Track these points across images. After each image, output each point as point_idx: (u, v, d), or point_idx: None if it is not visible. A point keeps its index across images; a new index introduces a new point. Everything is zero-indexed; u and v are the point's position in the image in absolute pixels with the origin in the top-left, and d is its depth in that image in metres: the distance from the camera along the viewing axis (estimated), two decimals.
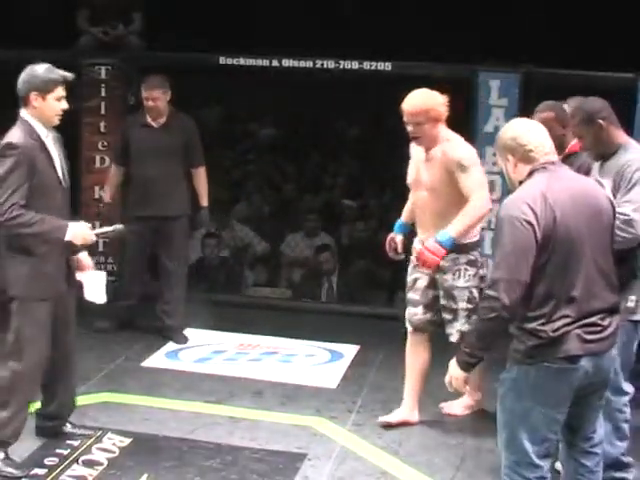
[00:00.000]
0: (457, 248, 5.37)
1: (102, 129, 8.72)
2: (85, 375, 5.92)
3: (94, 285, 5.12)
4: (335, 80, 8.80)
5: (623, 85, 7.61)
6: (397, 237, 5.90)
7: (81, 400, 5.73)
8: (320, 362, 7.07)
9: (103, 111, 8.73)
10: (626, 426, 4.80)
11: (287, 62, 8.43)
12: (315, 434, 5.67)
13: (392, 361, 6.55)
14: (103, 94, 8.74)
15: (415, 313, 5.70)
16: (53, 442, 5.29)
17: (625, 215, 4.50)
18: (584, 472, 4.10)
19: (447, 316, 5.58)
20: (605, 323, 3.89)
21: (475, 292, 5.50)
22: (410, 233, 5.86)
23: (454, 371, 4.00)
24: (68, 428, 5.36)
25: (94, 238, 5.04)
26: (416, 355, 5.77)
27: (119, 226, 5.33)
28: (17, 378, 4.91)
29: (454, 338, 5.54)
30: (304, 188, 10.39)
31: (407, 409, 5.79)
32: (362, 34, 8.48)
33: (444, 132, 5.42)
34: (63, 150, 5.11)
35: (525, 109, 8.04)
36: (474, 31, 8.25)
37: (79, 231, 4.92)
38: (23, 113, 4.93)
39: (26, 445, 5.22)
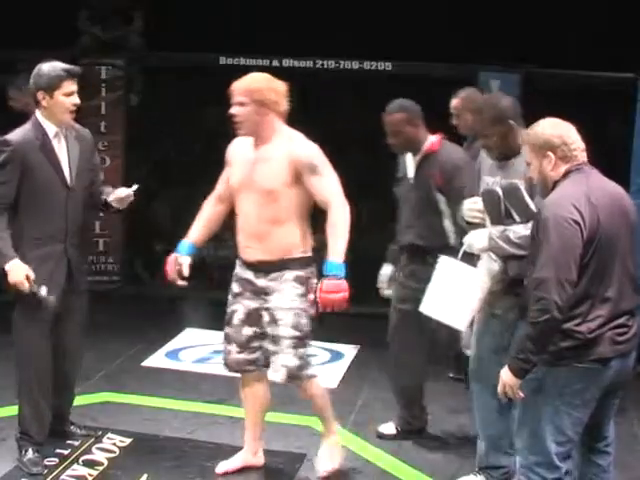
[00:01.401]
0: (283, 263, 4.71)
1: (102, 129, 8.75)
2: (85, 375, 5.91)
3: None
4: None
5: (623, 85, 7.62)
6: (182, 258, 4.96)
7: (81, 400, 5.74)
8: (320, 362, 7.06)
9: (103, 111, 8.75)
10: None
11: (287, 62, 8.44)
12: (315, 434, 5.66)
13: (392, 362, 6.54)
14: (103, 94, 8.77)
15: (229, 351, 4.96)
16: (53, 442, 5.28)
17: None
18: (598, 472, 4.10)
19: (270, 346, 4.78)
20: (630, 323, 3.91)
21: (303, 317, 4.71)
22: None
23: (508, 379, 3.85)
24: (69, 428, 5.35)
25: (25, 287, 4.68)
26: (250, 397, 5.09)
27: (51, 297, 4.78)
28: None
29: (279, 377, 4.76)
30: None
31: (249, 453, 5.13)
32: (362, 34, 8.47)
33: (284, 130, 4.74)
34: (88, 149, 5.07)
35: (526, 109, 8.09)
36: (475, 31, 8.24)
37: (16, 272, 4.68)
38: (37, 113, 4.88)
39: None
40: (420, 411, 5.59)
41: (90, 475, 4.98)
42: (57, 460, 5.11)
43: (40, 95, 4.84)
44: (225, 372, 6.66)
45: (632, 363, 3.99)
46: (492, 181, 4.64)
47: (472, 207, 4.62)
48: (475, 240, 4.53)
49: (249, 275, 4.79)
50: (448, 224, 5.30)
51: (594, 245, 3.77)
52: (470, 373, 4.87)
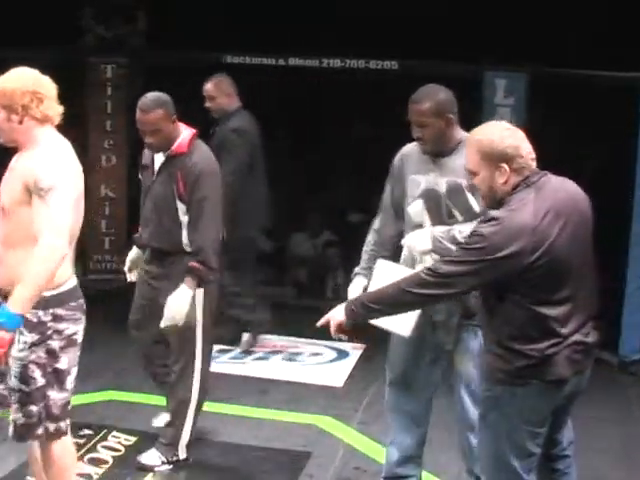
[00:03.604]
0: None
1: (108, 127, 8.75)
2: (91, 373, 5.91)
3: None
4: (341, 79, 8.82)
5: (628, 84, 7.60)
6: None
7: (87, 398, 5.76)
8: (326, 361, 7.07)
9: (109, 110, 8.75)
10: None
11: (293, 61, 8.44)
12: (321, 433, 5.67)
13: None
14: (109, 93, 8.77)
15: None
16: None
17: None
18: (558, 476, 4.02)
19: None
20: (588, 340, 3.76)
21: (35, 370, 3.86)
22: None
23: (341, 318, 3.90)
24: None
25: None
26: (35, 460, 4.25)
27: None
28: None
29: (10, 432, 3.99)
30: (308, 187, 10.37)
31: None
32: (368, 32, 8.46)
33: (44, 138, 3.91)
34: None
35: (532, 108, 8.09)
36: (481, 30, 8.23)
37: None
38: None
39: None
40: None
41: (96, 474, 4.99)
42: None
43: None
44: (231, 371, 6.72)
45: (589, 374, 3.86)
46: (425, 179, 4.42)
47: (418, 209, 4.42)
48: (416, 241, 4.33)
49: None
50: (185, 234, 5.01)
51: (543, 266, 3.57)
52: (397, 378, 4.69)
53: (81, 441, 5.32)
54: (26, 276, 3.69)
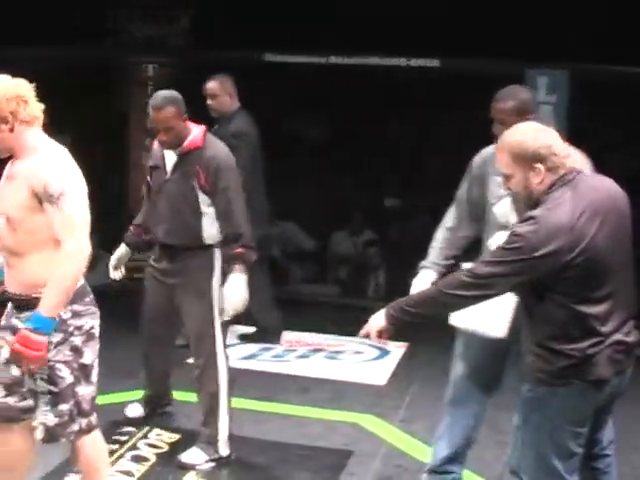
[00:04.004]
0: (29, 302, 3.85)
1: (149, 126, 8.79)
2: (132, 371, 5.93)
3: None
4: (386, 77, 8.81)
5: None
6: None
7: (130, 396, 5.78)
8: (368, 359, 7.06)
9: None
10: None
11: (334, 59, 8.43)
12: (362, 431, 5.66)
13: (441, 358, 6.48)
14: (150, 92, 8.80)
15: None
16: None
17: None
18: (597, 474, 3.99)
19: (29, 401, 3.98)
20: (629, 339, 3.73)
21: (62, 369, 3.86)
22: None
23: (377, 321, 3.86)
24: None
25: None
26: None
27: None
28: None
29: (39, 434, 3.94)
30: (351, 185, 10.38)
31: None
32: (409, 30, 8.44)
33: (33, 137, 3.86)
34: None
35: (574, 105, 8.03)
36: (522, 27, 8.18)
37: None
38: None
39: None
40: None
41: (137, 471, 5.00)
42: None
43: None
44: (273, 369, 6.72)
45: (630, 373, 3.81)
46: None
47: (505, 209, 4.39)
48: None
49: (10, 308, 4.05)
50: (207, 225, 5.09)
51: (581, 265, 3.53)
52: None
53: (123, 438, 5.35)
54: (53, 280, 3.72)
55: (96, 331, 3.98)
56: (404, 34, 8.47)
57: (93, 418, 4.03)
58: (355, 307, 8.36)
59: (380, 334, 3.91)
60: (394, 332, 3.91)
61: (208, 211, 5.08)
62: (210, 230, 5.10)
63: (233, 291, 5.04)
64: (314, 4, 8.66)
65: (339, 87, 9.32)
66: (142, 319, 5.51)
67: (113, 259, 5.53)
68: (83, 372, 3.92)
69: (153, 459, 5.14)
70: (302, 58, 8.66)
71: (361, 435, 5.60)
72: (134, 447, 5.26)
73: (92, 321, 3.94)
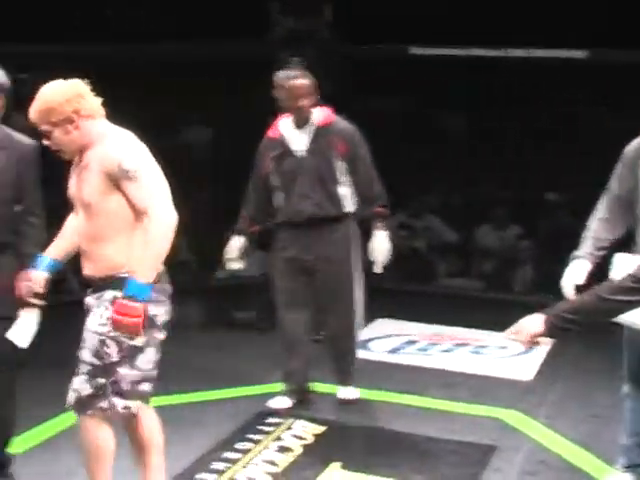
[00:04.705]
0: (104, 281, 3.97)
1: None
2: (277, 363, 6.01)
3: (23, 325, 4.33)
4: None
5: None
6: (37, 274, 4.22)
7: (275, 388, 5.90)
8: (512, 354, 6.99)
9: None
10: None
11: (477, 52, 8.37)
12: (506, 427, 5.61)
13: (588, 354, 6.43)
14: None
15: None
16: (246, 428, 5.45)
17: None
18: None
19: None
20: None
21: (111, 345, 3.91)
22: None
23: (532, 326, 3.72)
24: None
25: None
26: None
27: None
28: None
29: (69, 400, 3.99)
30: (496, 179, 10.28)
31: None
32: (555, 21, 8.31)
33: (100, 127, 3.99)
34: (13, 162, 4.39)
35: None
36: None
37: None
38: None
39: (223, 429, 5.42)
40: None
41: (283, 461, 5.05)
42: (251, 445, 5.23)
43: None
44: (416, 363, 6.73)
45: None
46: None
47: None
48: None
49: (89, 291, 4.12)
50: (344, 192, 5.56)
51: None
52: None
53: (268, 429, 5.44)
54: (143, 245, 3.81)
55: (159, 319, 3.98)
56: (550, 25, 8.36)
57: (133, 404, 4.01)
58: (500, 301, 8.32)
59: (532, 339, 3.83)
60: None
61: (343, 180, 5.56)
62: (347, 197, 5.59)
63: (380, 245, 5.61)
64: None
65: (484, 80, 9.25)
66: (279, 310, 5.71)
67: (235, 250, 5.77)
68: (130, 353, 3.94)
69: (299, 450, 5.20)
70: (447, 51, 8.62)
71: (505, 431, 5.55)
72: (279, 438, 5.34)
73: (156, 309, 3.94)
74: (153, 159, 3.97)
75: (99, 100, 3.99)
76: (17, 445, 4.79)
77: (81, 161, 3.98)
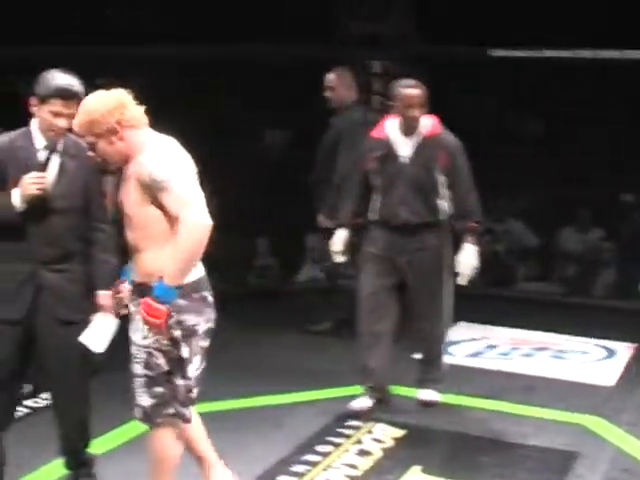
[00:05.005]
0: (140, 288, 4.02)
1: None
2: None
3: (97, 330, 4.38)
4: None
5: None
6: (123, 285, 4.26)
7: (355, 390, 5.90)
8: (594, 359, 6.93)
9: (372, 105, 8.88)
10: None
11: (560, 53, 8.29)
12: (588, 432, 5.56)
13: None
14: (375, 88, 8.91)
15: None
16: (326, 431, 5.48)
17: None
18: None
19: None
20: None
21: (159, 356, 3.97)
22: None
23: None
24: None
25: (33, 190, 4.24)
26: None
27: None
28: None
29: (136, 414, 4.09)
30: (575, 182, 10.18)
31: None
32: (623, 23, 8.21)
33: (142, 137, 3.99)
34: (84, 170, 4.39)
35: None
36: None
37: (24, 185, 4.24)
38: (32, 120, 4.39)
39: (303, 431, 5.46)
40: None
41: (364, 464, 5.07)
42: (332, 448, 5.25)
43: (33, 100, 4.34)
44: (497, 367, 6.70)
45: None
46: None
47: None
48: None
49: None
50: (441, 203, 5.66)
51: None
52: None
53: (348, 432, 5.46)
54: (175, 249, 3.81)
55: (200, 328, 4.01)
56: (616, 26, 8.27)
57: (187, 411, 4.09)
58: (581, 306, 8.23)
59: None
60: None
61: (442, 191, 5.65)
62: (443, 207, 5.68)
63: (468, 259, 5.65)
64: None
65: (554, 81, 9.19)
66: (361, 306, 5.77)
67: (340, 244, 5.89)
68: (179, 365, 4.00)
69: (379, 454, 5.21)
70: (527, 53, 8.56)
71: (586, 437, 5.50)
72: (359, 441, 5.36)
73: (196, 318, 3.98)
74: (188, 164, 3.99)
75: (142, 109, 4.00)
76: (98, 446, 4.90)
77: (126, 172, 4.00)
